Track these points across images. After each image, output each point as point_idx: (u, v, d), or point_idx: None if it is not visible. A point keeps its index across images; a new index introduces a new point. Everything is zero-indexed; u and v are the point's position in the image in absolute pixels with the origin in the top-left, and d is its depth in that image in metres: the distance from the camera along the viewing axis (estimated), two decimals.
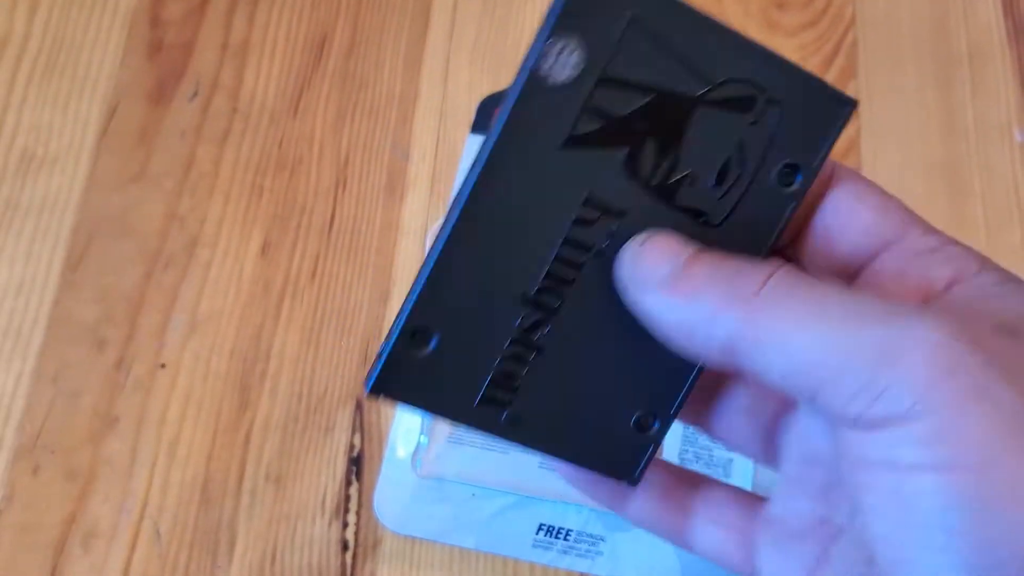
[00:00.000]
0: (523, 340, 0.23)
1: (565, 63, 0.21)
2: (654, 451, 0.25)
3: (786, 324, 0.20)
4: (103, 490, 0.39)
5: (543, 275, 0.23)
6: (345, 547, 0.38)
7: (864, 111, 0.46)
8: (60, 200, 0.43)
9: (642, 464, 0.25)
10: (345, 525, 0.38)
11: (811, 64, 0.47)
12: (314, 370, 0.41)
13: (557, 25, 0.21)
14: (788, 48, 0.47)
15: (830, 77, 0.47)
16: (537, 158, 0.22)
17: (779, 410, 0.26)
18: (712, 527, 0.26)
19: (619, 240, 0.23)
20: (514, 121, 0.21)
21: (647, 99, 0.22)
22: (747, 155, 0.23)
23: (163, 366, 0.40)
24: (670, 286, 0.21)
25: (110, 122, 0.45)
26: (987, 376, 0.18)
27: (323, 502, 0.39)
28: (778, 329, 0.20)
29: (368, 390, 0.23)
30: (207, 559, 0.38)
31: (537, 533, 0.38)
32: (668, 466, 0.27)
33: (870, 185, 0.24)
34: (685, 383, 0.24)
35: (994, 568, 0.17)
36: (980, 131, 0.46)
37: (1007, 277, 0.22)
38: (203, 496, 0.39)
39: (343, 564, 0.38)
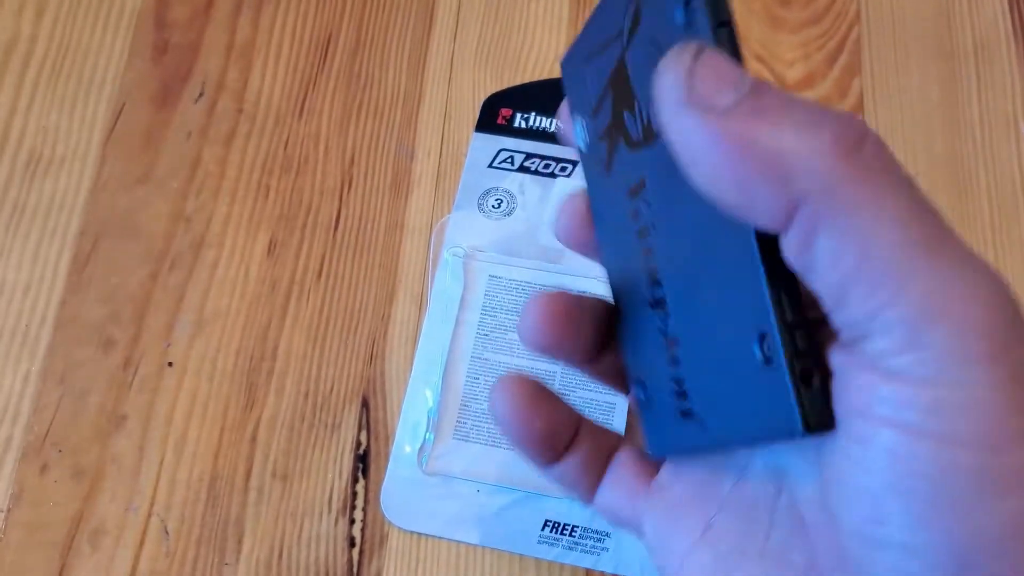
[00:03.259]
0: (666, 342, 0.23)
1: (578, 135, 0.26)
2: (793, 377, 0.19)
3: (874, 210, 0.17)
4: (111, 488, 0.39)
5: (647, 276, 0.23)
6: (352, 543, 0.38)
7: (869, 107, 0.46)
8: (67, 201, 0.44)
9: (793, 404, 0.18)
10: (352, 522, 0.38)
11: (815, 60, 0.47)
12: (320, 368, 0.41)
13: (571, 119, 0.26)
14: (792, 44, 0.47)
15: (834, 74, 0.47)
16: (605, 193, 0.25)
17: None
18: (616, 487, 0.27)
19: (656, 206, 0.22)
20: (590, 187, 0.26)
21: (611, 93, 0.24)
22: (661, 36, 0.21)
23: (170, 365, 0.41)
24: (739, 116, 0.17)
25: (116, 124, 0.45)
26: None
27: (330, 499, 0.39)
28: (867, 210, 0.17)
29: (654, 456, 0.25)
30: (215, 556, 0.38)
31: (542, 529, 0.38)
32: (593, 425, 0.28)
33: None
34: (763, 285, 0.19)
35: (973, 551, 0.17)
36: (985, 126, 0.45)
37: None
38: (210, 494, 0.39)
39: (350, 560, 0.38)
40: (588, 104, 0.25)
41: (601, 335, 0.26)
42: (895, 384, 0.17)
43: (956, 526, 0.17)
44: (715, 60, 0.18)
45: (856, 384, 0.18)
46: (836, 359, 0.19)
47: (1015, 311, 0.17)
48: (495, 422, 0.26)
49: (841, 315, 0.18)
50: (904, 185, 0.17)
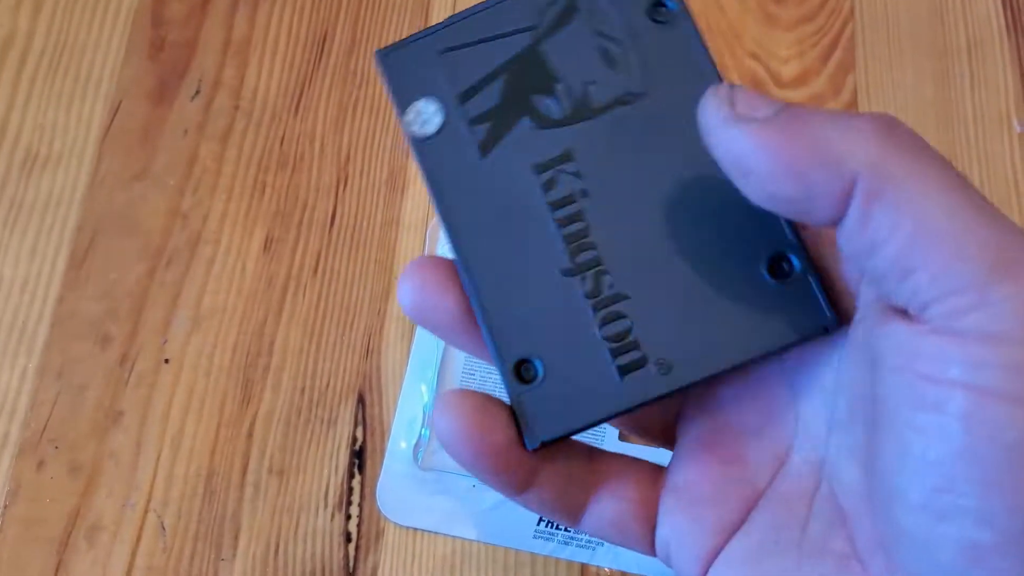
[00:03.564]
0: (602, 300, 0.23)
1: (427, 119, 0.25)
2: (817, 284, 0.23)
3: (922, 181, 0.18)
4: (107, 484, 0.39)
5: (563, 243, 0.24)
6: (348, 539, 0.38)
7: (863, 103, 0.46)
8: (64, 198, 0.44)
9: (822, 303, 0.22)
10: (348, 517, 0.39)
11: (809, 58, 0.47)
12: (316, 364, 0.41)
13: (398, 103, 0.25)
14: (786, 42, 0.47)
15: (828, 71, 0.47)
16: (474, 178, 0.24)
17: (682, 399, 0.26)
18: (612, 501, 0.25)
19: (591, 173, 0.24)
20: (434, 176, 0.24)
21: (504, 77, 0.25)
22: (609, 29, 0.25)
23: (167, 361, 0.41)
24: (781, 121, 0.19)
25: (113, 121, 0.45)
26: None
27: (326, 494, 0.39)
28: (915, 181, 0.18)
29: (533, 448, 0.23)
30: (211, 552, 0.38)
31: (538, 524, 0.38)
32: (571, 442, 0.25)
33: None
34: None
35: None
36: (979, 123, 0.46)
37: None
38: (207, 489, 0.39)
39: (346, 556, 0.38)
40: (448, 90, 0.25)
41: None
42: (968, 345, 0.17)
43: None
44: (748, 91, 0.20)
45: (926, 351, 0.18)
46: (901, 331, 0.19)
47: None
48: (442, 446, 0.23)
49: (906, 286, 0.18)
50: (941, 160, 0.19)
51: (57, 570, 0.37)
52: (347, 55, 0.47)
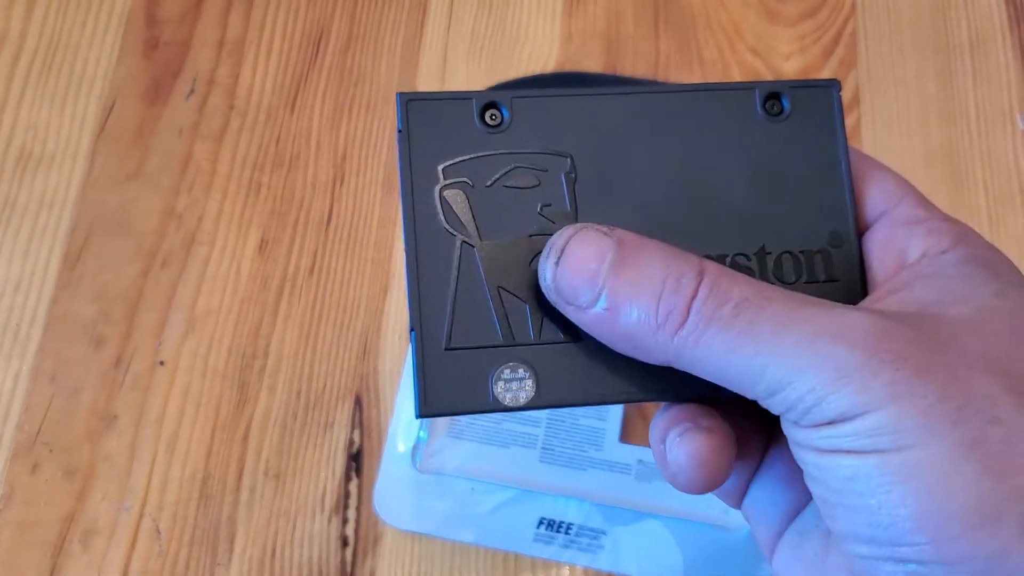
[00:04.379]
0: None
1: (520, 389, 0.24)
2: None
3: (715, 353, 0.20)
4: (102, 487, 0.38)
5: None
6: (345, 543, 0.38)
7: (865, 100, 0.46)
8: (57, 198, 0.43)
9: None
10: (345, 521, 0.38)
11: (811, 54, 0.47)
12: (313, 366, 0.41)
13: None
14: (788, 38, 0.47)
15: (831, 67, 0.46)
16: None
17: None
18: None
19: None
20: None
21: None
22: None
23: (161, 363, 0.40)
24: (598, 316, 0.21)
25: (107, 120, 0.45)
26: (906, 377, 0.19)
27: (323, 498, 0.38)
28: (709, 359, 0.20)
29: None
30: (207, 556, 0.38)
31: (538, 527, 0.38)
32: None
33: (869, 157, 0.25)
34: None
35: (892, 543, 0.19)
36: (982, 118, 0.45)
37: (972, 257, 0.22)
38: (202, 493, 0.38)
39: (343, 560, 0.38)
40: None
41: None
42: (820, 429, 0.20)
43: (908, 514, 0.19)
44: (577, 250, 0.23)
45: (795, 435, 0.21)
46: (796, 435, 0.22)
47: (878, 354, 0.20)
48: (667, 477, 0.24)
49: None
50: (741, 317, 0.20)
51: (52, 574, 0.37)
52: (343, 53, 0.47)
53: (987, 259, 0.22)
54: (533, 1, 0.48)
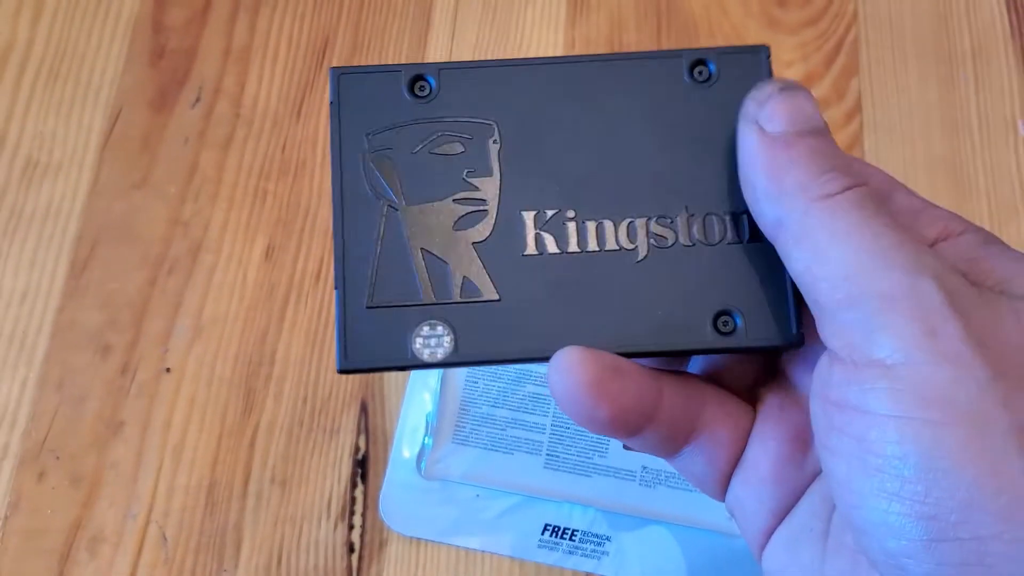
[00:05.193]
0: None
1: (439, 346, 0.24)
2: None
3: (829, 237, 0.21)
4: (109, 495, 0.39)
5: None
6: (351, 549, 0.38)
7: (867, 107, 0.46)
8: (64, 207, 0.43)
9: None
10: (351, 527, 0.38)
11: (813, 62, 0.47)
12: (319, 373, 0.41)
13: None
14: (790, 46, 0.47)
15: (832, 75, 0.47)
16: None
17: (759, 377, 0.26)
18: (706, 450, 0.25)
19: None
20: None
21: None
22: None
23: (168, 371, 0.41)
24: (773, 146, 0.22)
25: (113, 129, 0.45)
26: (964, 342, 0.19)
27: (329, 504, 0.39)
28: (820, 239, 0.21)
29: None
30: (213, 563, 0.38)
31: (543, 533, 0.38)
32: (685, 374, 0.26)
33: (853, 156, 0.25)
34: None
35: (933, 519, 0.18)
36: (984, 127, 0.45)
37: (990, 238, 0.23)
38: (209, 500, 0.39)
39: (349, 566, 0.38)
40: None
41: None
42: (860, 371, 0.20)
43: (921, 500, 0.18)
44: (796, 100, 0.23)
45: (833, 379, 0.21)
46: (823, 361, 0.22)
47: (943, 309, 0.19)
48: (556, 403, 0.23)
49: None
50: (866, 223, 0.21)
51: None
52: (348, 61, 0.47)
53: (998, 239, 0.23)
54: (537, 10, 0.48)
